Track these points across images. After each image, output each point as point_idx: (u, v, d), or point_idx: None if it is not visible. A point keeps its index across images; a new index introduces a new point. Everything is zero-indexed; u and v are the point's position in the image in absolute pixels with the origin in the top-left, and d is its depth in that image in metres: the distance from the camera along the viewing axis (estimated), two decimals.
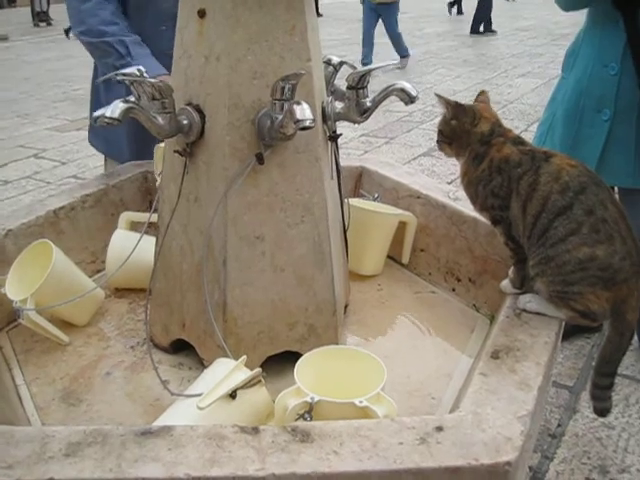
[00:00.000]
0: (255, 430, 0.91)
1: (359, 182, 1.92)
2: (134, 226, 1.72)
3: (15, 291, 1.41)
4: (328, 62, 1.39)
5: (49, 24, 15.82)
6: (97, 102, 2.19)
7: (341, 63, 1.40)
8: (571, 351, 2.67)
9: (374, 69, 1.23)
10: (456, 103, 1.28)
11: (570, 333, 2.68)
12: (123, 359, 1.41)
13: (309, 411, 1.02)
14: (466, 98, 6.78)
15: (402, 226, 1.72)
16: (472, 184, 1.28)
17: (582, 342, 2.71)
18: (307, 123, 1.02)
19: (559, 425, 2.27)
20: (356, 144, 5.63)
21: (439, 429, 0.91)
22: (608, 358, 1.20)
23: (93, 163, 5.15)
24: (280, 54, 1.15)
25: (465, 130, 1.27)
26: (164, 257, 1.34)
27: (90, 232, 1.75)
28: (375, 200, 1.79)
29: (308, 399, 1.02)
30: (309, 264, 1.27)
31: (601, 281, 1.14)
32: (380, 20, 8.81)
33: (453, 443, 0.88)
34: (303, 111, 1.02)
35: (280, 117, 1.07)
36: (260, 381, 1.11)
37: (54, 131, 6.43)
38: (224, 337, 1.26)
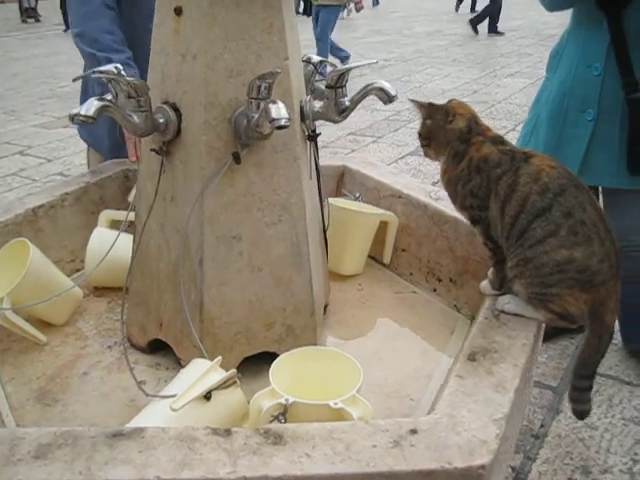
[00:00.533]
0: (227, 432, 0.91)
1: (341, 181, 1.92)
2: (114, 224, 1.71)
3: None
4: (308, 61, 1.39)
5: (37, 20, 15.72)
6: (86, 99, 2.18)
7: (321, 62, 1.39)
8: (555, 351, 2.67)
9: (352, 68, 1.23)
10: (429, 103, 1.28)
11: (554, 333, 2.68)
12: (100, 359, 1.40)
13: (283, 413, 1.01)
14: (454, 97, 6.81)
15: (383, 226, 1.72)
16: (451, 183, 1.27)
17: (566, 342, 2.71)
18: (282, 122, 1.01)
19: (542, 426, 2.27)
20: (343, 142, 5.62)
21: (413, 432, 0.90)
22: (587, 360, 1.20)
23: (79, 160, 5.12)
24: (257, 52, 1.14)
25: (441, 127, 1.26)
26: (141, 256, 1.33)
27: (70, 230, 1.73)
28: (357, 199, 1.79)
29: (282, 401, 1.02)
30: (287, 264, 1.26)
31: (579, 283, 1.13)
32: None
33: (427, 446, 0.88)
34: (279, 110, 1.01)
35: (256, 116, 1.06)
36: (235, 382, 1.10)
37: (40, 128, 6.38)
38: (201, 337, 1.25)
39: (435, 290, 1.64)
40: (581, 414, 1.25)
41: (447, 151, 1.27)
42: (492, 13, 10.77)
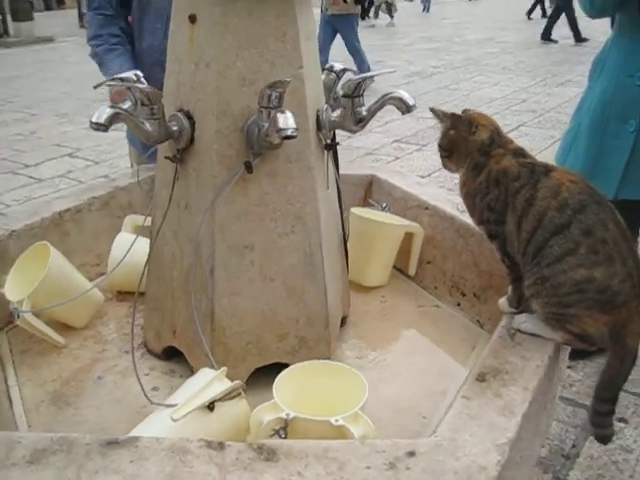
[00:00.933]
0: (221, 446, 0.89)
1: (369, 191, 1.89)
2: (138, 230, 1.72)
3: (14, 292, 1.42)
4: (330, 69, 1.37)
5: None
6: None
7: (344, 70, 1.37)
8: (592, 369, 2.58)
9: (370, 77, 1.20)
10: (452, 114, 1.25)
11: (591, 351, 2.60)
12: (116, 363, 1.41)
13: (284, 427, 1.00)
14: (502, 106, 6.69)
15: (409, 237, 1.68)
16: (470, 196, 1.24)
17: (603, 360, 2.62)
18: (289, 132, 1.00)
19: (574, 446, 2.20)
20: (387, 150, 5.58)
21: (411, 454, 0.87)
22: (608, 384, 1.15)
23: (125, 163, 5.20)
24: (271, 61, 1.13)
25: (463, 138, 1.23)
26: (156, 262, 1.33)
27: (96, 235, 1.75)
28: (383, 210, 1.76)
29: (283, 415, 1.00)
30: (299, 275, 1.25)
31: (599, 304, 1.08)
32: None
33: (423, 470, 0.85)
34: (286, 120, 1.00)
35: (266, 125, 1.05)
36: (240, 394, 1.09)
37: (90, 131, 6.53)
38: (212, 346, 1.24)
39: (459, 304, 1.60)
40: (603, 439, 1.20)
41: (467, 163, 1.24)
42: (572, 20, 10.43)
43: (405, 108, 1.19)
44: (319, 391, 1.11)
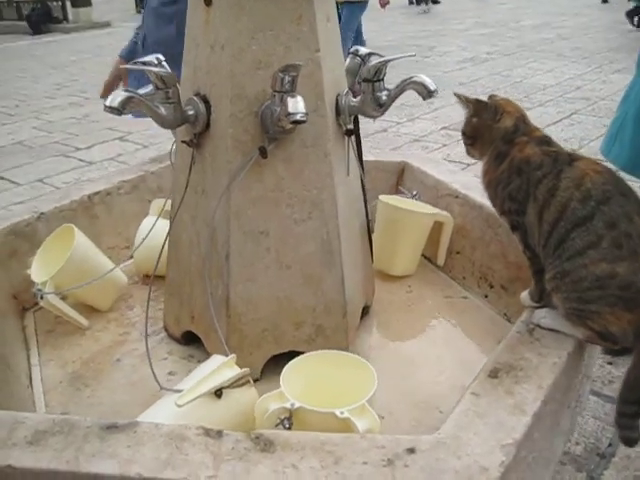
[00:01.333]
0: (219, 434, 0.88)
1: (401, 178, 1.85)
2: (166, 214, 1.72)
3: (40, 273, 1.44)
4: (355, 53, 1.34)
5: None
6: None
7: (369, 54, 1.33)
8: None
9: (390, 60, 1.16)
10: (476, 100, 1.20)
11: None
12: (137, 347, 1.41)
13: (289, 417, 0.98)
14: (557, 93, 6.50)
15: (438, 226, 1.64)
16: (492, 185, 1.19)
17: None
18: (298, 117, 0.97)
19: (610, 445, 2.12)
20: (435, 137, 5.48)
21: (411, 451, 0.84)
22: (633, 385, 1.10)
23: None
24: (286, 44, 1.10)
25: (487, 126, 1.18)
26: (175, 247, 1.33)
27: (125, 218, 1.76)
28: (414, 198, 1.72)
29: (288, 405, 0.98)
30: (317, 262, 1.22)
31: (621, 301, 1.03)
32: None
33: (422, 468, 0.82)
34: (296, 104, 0.98)
35: (278, 109, 1.03)
36: (249, 381, 1.08)
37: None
38: (228, 333, 1.24)
39: (486, 296, 1.56)
40: (629, 441, 1.15)
41: (490, 151, 1.20)
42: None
43: (426, 93, 1.15)
44: (329, 381, 1.09)
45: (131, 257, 1.75)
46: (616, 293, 1.02)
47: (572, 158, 1.10)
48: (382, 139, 4.98)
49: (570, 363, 1.07)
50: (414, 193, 1.73)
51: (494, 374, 1.00)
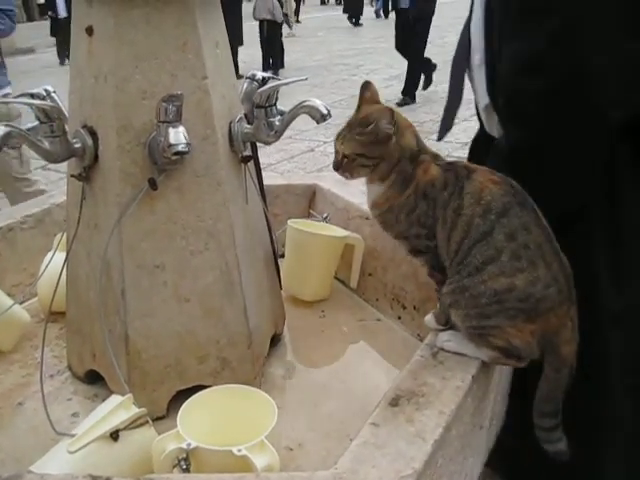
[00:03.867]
0: None
1: (312, 201, 1.84)
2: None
3: None
4: (252, 78, 1.32)
5: None
6: None
7: (265, 78, 1.32)
8: None
9: (280, 85, 1.15)
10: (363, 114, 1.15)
11: None
12: (39, 389, 1.35)
13: (186, 458, 0.95)
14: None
15: (350, 249, 1.64)
16: (392, 211, 1.13)
17: None
18: (180, 148, 0.95)
19: None
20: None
21: None
22: (546, 397, 1.08)
23: None
24: (172, 72, 1.07)
25: (391, 145, 1.09)
26: (73, 283, 1.28)
27: (30, 253, 1.69)
28: (324, 220, 1.71)
29: (184, 445, 0.95)
30: (216, 294, 1.19)
31: (522, 313, 1.02)
32: None
33: None
34: (177, 135, 0.95)
35: (163, 140, 1.00)
36: (147, 421, 1.04)
37: None
38: (128, 371, 1.19)
39: (400, 318, 1.55)
40: (556, 455, 1.10)
41: (395, 173, 1.11)
42: None
43: (319, 116, 1.14)
44: (231, 417, 1.06)
45: (36, 294, 1.69)
46: (515, 305, 1.01)
47: (469, 170, 1.08)
48: (309, 159, 4.98)
49: (477, 384, 1.06)
50: (324, 216, 1.72)
51: (395, 402, 0.98)
